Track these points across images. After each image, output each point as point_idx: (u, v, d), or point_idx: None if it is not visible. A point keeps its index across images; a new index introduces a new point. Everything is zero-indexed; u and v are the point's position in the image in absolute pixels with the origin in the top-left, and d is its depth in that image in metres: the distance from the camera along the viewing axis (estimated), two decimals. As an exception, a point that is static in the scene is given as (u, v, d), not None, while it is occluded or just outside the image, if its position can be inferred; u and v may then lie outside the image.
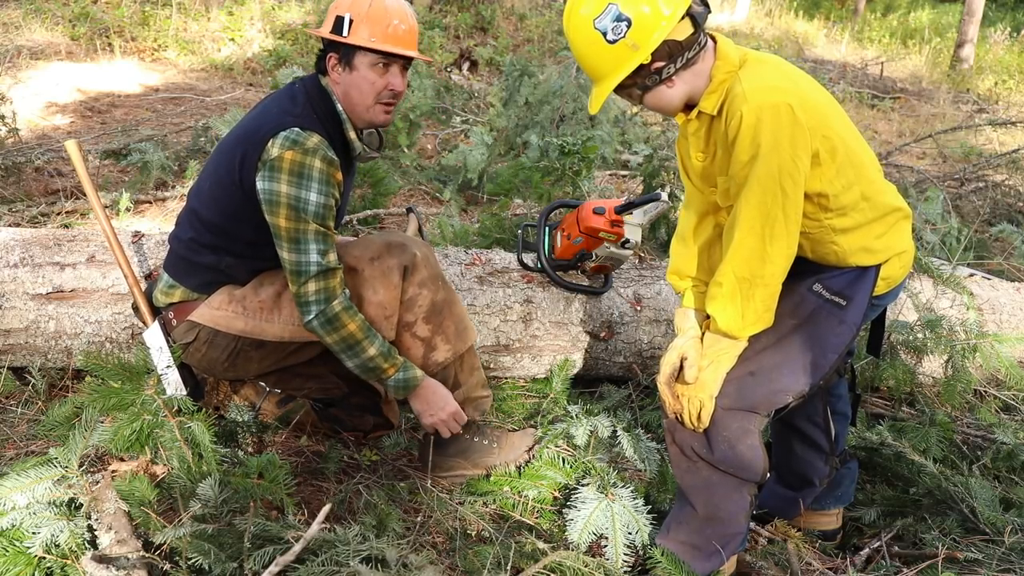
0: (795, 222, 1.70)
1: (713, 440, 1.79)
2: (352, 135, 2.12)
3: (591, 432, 2.31)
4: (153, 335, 2.15)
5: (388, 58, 2.05)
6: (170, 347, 2.14)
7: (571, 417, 2.40)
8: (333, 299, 2.02)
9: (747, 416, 1.79)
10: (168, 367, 2.13)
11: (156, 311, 2.19)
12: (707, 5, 1.74)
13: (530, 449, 2.29)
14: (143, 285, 2.27)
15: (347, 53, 2.05)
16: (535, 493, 2.19)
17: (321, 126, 2.04)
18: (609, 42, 1.68)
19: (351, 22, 2.02)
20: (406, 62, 2.09)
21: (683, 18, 1.68)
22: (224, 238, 2.10)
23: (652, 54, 1.68)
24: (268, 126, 2.00)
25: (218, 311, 2.12)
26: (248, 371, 2.24)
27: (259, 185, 1.99)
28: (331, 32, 2.04)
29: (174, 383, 2.13)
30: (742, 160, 1.68)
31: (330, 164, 2.00)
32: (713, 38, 1.79)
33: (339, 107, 2.11)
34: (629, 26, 1.66)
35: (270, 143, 1.97)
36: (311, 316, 2.01)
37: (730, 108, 1.70)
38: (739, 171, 1.69)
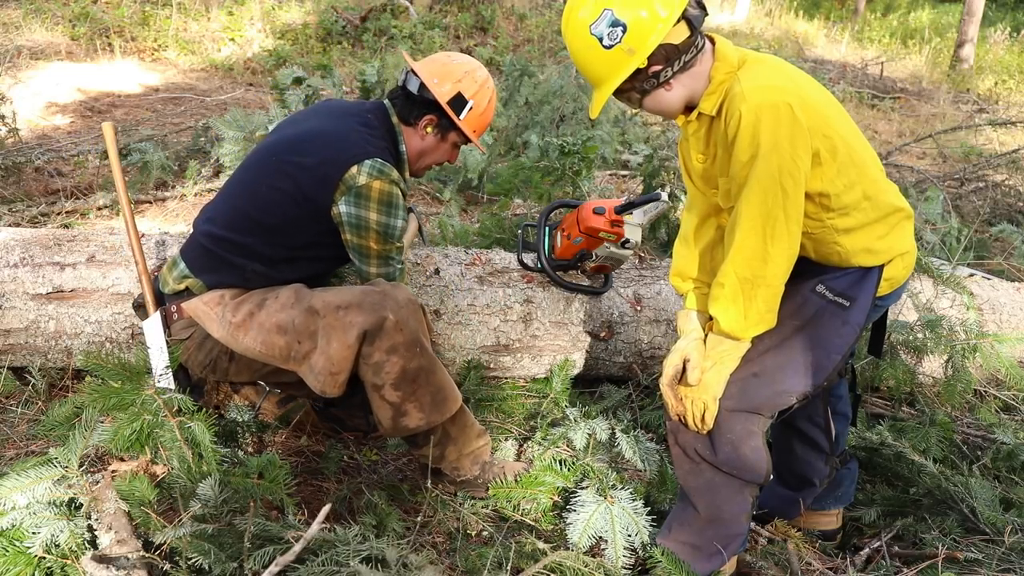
0: (796, 222, 1.70)
1: (716, 442, 1.79)
2: (407, 174, 2.27)
3: (589, 435, 2.30)
4: (152, 328, 2.14)
5: (467, 142, 2.26)
6: (168, 346, 2.13)
7: (569, 420, 2.40)
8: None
9: (751, 418, 1.78)
10: (166, 367, 2.12)
11: (160, 300, 2.18)
12: (703, 8, 1.74)
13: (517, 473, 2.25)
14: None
15: (448, 127, 2.23)
16: (531, 506, 2.17)
17: (394, 161, 2.16)
18: (605, 47, 1.69)
19: (470, 109, 2.21)
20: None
21: (679, 22, 1.68)
22: (268, 244, 2.11)
23: (648, 58, 1.69)
24: (352, 151, 2.08)
25: (204, 306, 2.11)
26: (227, 379, 2.23)
27: (343, 208, 2.07)
28: (448, 104, 2.18)
29: (167, 382, 2.13)
30: (742, 160, 1.68)
31: (404, 194, 2.16)
32: (711, 39, 1.79)
33: (402, 148, 2.24)
34: (625, 31, 1.66)
35: (355, 168, 2.06)
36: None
37: (729, 108, 1.70)
38: (739, 171, 1.69)
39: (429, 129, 2.22)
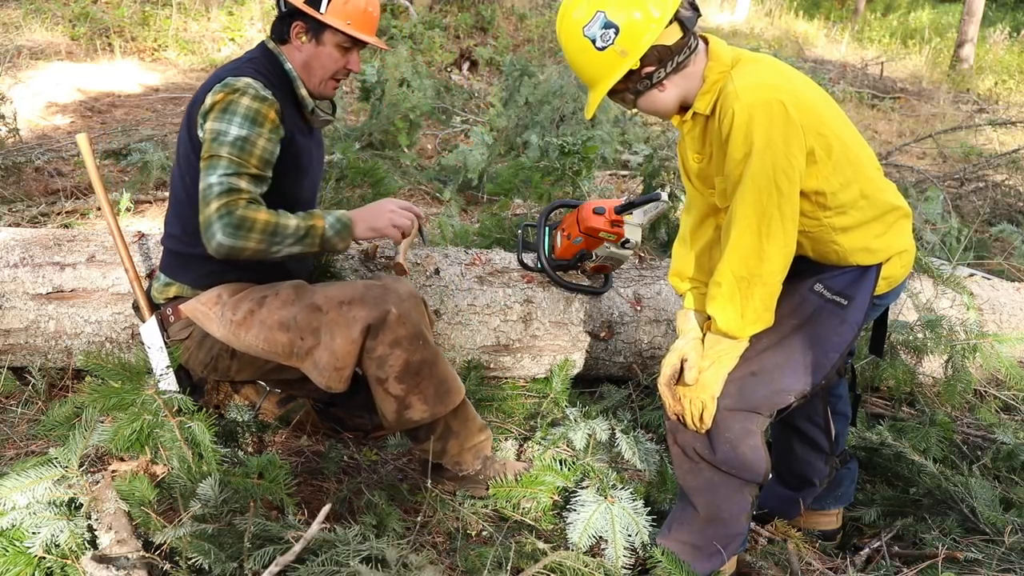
0: (791, 220, 1.70)
1: (715, 441, 1.79)
2: (303, 92, 2.16)
3: (589, 436, 2.30)
4: (149, 331, 2.15)
5: (355, 42, 2.12)
6: (168, 347, 2.14)
7: (569, 420, 2.40)
8: (234, 209, 1.92)
9: (749, 417, 1.78)
10: (167, 367, 2.13)
11: (155, 308, 2.20)
12: (696, 9, 1.75)
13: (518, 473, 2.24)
14: (144, 284, 2.27)
15: (318, 28, 2.11)
16: (531, 505, 2.17)
17: (264, 78, 2.07)
18: (598, 49, 1.70)
19: (329, 1, 2.07)
20: (363, 45, 2.16)
21: (671, 23, 1.69)
22: None
23: (641, 60, 1.70)
24: (210, 86, 2.05)
25: (203, 307, 2.11)
26: (228, 378, 2.24)
27: (200, 136, 2.03)
28: (307, 3, 2.07)
29: (169, 382, 2.13)
30: (736, 158, 1.68)
31: (261, 102, 2.01)
32: (705, 39, 1.79)
33: (288, 66, 2.15)
34: (617, 33, 1.67)
35: (208, 97, 2.02)
36: (217, 235, 1.91)
37: (722, 107, 1.71)
38: (733, 169, 1.69)
39: (303, 38, 2.12)
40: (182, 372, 2.20)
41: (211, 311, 2.10)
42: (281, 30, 2.14)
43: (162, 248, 2.22)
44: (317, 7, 2.07)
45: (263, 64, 2.12)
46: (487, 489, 2.20)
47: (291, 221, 1.98)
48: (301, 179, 2.18)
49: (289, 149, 2.10)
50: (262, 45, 2.19)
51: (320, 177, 2.37)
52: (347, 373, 1.98)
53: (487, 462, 2.20)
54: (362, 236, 2.08)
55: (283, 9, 2.12)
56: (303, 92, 2.16)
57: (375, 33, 2.18)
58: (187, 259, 2.13)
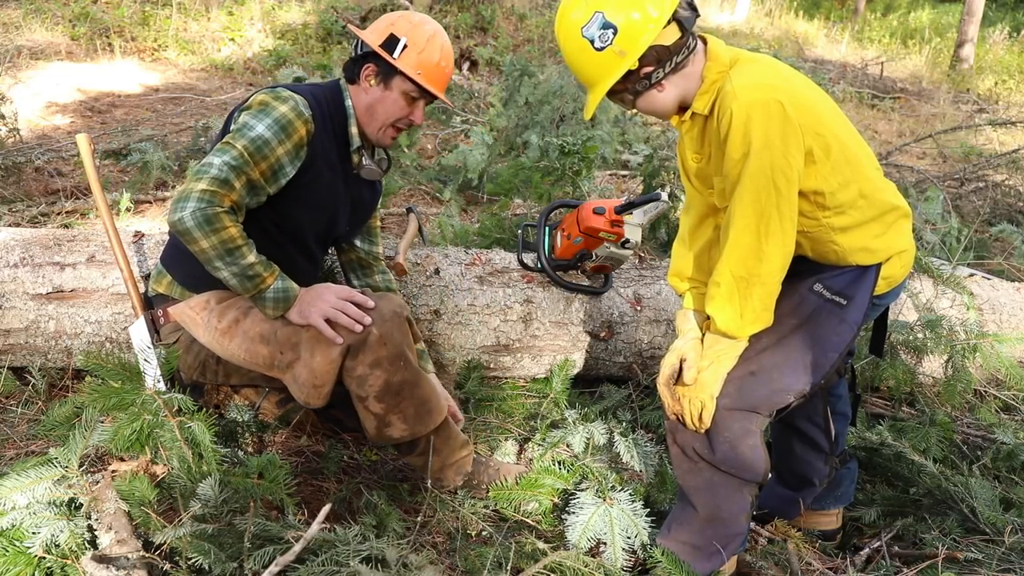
0: (790, 219, 1.70)
1: (714, 441, 1.79)
2: (354, 130, 2.17)
3: (588, 438, 2.30)
4: (137, 331, 2.15)
5: (422, 93, 2.14)
6: (162, 352, 2.13)
7: (568, 423, 2.40)
8: (217, 204, 1.88)
9: (748, 416, 1.78)
10: (156, 371, 2.11)
11: (148, 304, 2.20)
12: (694, 9, 1.75)
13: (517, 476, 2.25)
14: (141, 286, 2.28)
15: (388, 72, 2.13)
16: (533, 506, 2.17)
17: (315, 100, 2.08)
18: (597, 49, 1.70)
19: (405, 47, 2.10)
20: (430, 99, 2.17)
21: (669, 23, 1.69)
22: None
23: (640, 60, 1.70)
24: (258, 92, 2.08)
25: (191, 311, 2.11)
26: (218, 382, 2.24)
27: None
28: (381, 47, 2.10)
29: (161, 384, 2.12)
30: (734, 158, 1.68)
31: (297, 116, 2.00)
32: (703, 39, 1.80)
33: (348, 103, 2.17)
34: (615, 33, 1.67)
35: (253, 96, 2.05)
36: (187, 211, 1.85)
37: (721, 106, 1.71)
38: (732, 169, 1.69)
39: (372, 81, 2.14)
40: (176, 375, 2.19)
41: (198, 316, 2.10)
42: (352, 70, 2.17)
43: (168, 237, 2.22)
44: (391, 52, 2.09)
45: (323, 93, 2.15)
46: (486, 492, 2.21)
47: (251, 256, 1.94)
48: (309, 210, 2.14)
49: (307, 174, 2.08)
50: (333, 81, 2.21)
51: (343, 227, 2.31)
52: (326, 390, 1.97)
53: (470, 476, 2.21)
54: (292, 319, 2.00)
55: (358, 51, 2.15)
56: (353, 130, 2.17)
57: (444, 91, 2.18)
58: (183, 252, 2.09)
